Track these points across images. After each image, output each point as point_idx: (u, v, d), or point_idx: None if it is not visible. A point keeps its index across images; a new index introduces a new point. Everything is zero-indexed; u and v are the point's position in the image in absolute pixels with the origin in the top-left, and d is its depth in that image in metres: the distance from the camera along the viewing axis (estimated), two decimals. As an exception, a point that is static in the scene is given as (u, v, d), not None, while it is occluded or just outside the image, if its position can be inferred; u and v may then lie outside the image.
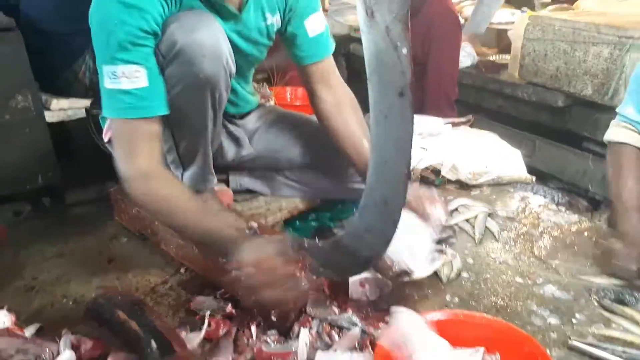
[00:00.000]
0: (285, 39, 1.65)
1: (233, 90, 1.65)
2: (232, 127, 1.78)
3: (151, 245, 1.75)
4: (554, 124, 3.35)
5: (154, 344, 1.25)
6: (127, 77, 1.27)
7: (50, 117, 2.08)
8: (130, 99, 1.29)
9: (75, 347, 1.31)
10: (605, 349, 1.29)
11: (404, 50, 0.97)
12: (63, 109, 2.14)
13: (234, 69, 1.45)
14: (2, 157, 1.89)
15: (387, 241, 1.19)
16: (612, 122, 1.76)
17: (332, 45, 1.64)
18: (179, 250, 1.63)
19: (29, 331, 1.36)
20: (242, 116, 1.82)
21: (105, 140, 1.66)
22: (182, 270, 1.64)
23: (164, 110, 1.35)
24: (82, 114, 2.13)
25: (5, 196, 1.96)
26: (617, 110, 1.76)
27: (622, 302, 1.47)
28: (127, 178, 1.33)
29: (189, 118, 1.46)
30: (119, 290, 1.53)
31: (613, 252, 1.61)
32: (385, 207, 1.12)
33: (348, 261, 1.30)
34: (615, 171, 1.70)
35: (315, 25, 1.62)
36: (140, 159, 1.31)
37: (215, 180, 1.64)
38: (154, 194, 1.33)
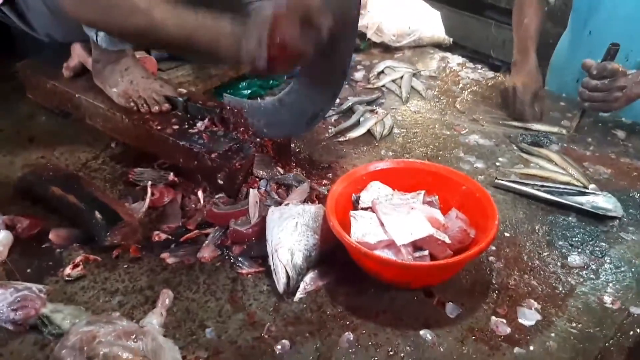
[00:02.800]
0: None
1: None
2: None
3: (74, 121, 1.56)
4: (460, -8, 3.33)
5: (98, 215, 1.15)
6: None
7: None
8: None
9: (9, 227, 1.18)
10: (525, 185, 1.37)
11: None
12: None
13: None
14: None
15: (334, 95, 1.13)
16: None
17: None
18: (106, 123, 1.47)
19: (-48, 216, 1.20)
20: None
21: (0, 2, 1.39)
22: (113, 144, 1.49)
23: None
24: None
25: None
26: None
27: (537, 144, 1.55)
28: None
29: None
30: (48, 167, 1.37)
31: (507, 94, 1.67)
32: (333, 58, 1.03)
33: (292, 119, 1.23)
34: (516, 13, 1.76)
35: None
36: None
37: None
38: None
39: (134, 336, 0.88)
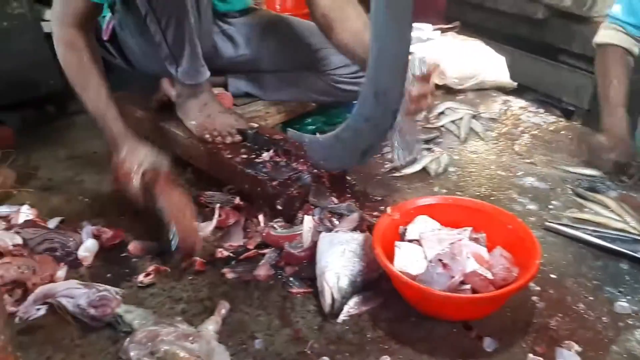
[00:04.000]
0: None
1: None
2: (225, 26, 1.73)
3: (157, 148, 1.74)
4: (532, 36, 3.32)
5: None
6: None
7: (45, 27, 2.00)
8: None
9: (95, 236, 1.34)
10: (577, 229, 1.37)
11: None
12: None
13: None
14: (4, 66, 1.83)
15: (384, 131, 1.21)
16: (602, 25, 1.76)
17: None
18: (185, 151, 1.63)
19: (51, 223, 1.38)
20: (235, 16, 1.77)
21: (105, 39, 1.62)
22: (189, 170, 1.65)
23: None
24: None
25: (11, 104, 1.91)
26: (607, 12, 1.75)
27: (594, 190, 1.54)
28: (55, 36, 1.41)
29: (169, 3, 1.39)
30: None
31: (594, 145, 1.65)
32: (385, 97, 1.12)
33: (347, 153, 1.32)
34: (601, 71, 1.72)
35: None
36: (73, 29, 1.38)
37: (208, 73, 1.56)
38: (74, 62, 1.40)
39: (191, 338, 0.99)
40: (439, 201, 1.30)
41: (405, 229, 1.24)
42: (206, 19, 1.54)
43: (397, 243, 1.17)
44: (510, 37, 3.30)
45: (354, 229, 1.30)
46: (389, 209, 1.24)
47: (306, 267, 1.24)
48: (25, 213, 1.37)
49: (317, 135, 1.40)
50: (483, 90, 2.17)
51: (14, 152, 1.72)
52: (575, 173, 1.63)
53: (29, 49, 1.87)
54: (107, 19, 1.60)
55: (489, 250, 1.19)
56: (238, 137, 1.56)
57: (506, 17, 3.38)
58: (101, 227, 1.36)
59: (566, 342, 1.07)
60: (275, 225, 1.36)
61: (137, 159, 1.36)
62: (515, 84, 2.20)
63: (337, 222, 1.35)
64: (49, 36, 1.94)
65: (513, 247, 1.18)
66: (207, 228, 1.38)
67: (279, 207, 1.37)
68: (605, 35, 1.72)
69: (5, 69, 1.84)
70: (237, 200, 1.46)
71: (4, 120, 1.89)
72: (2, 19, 1.79)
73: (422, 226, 1.23)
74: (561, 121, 1.97)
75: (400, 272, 1.09)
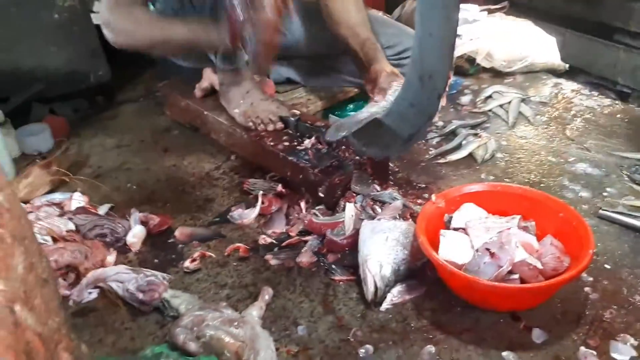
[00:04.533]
0: None
1: None
2: None
3: (201, 136, 1.77)
4: (586, 15, 3.15)
5: None
6: None
7: (94, 19, 2.05)
8: None
9: (143, 223, 1.38)
10: (633, 217, 1.30)
11: None
12: (106, 10, 2.09)
13: None
14: (56, 57, 1.90)
15: (430, 116, 1.18)
16: None
17: None
18: (228, 139, 1.65)
19: (102, 210, 1.43)
20: None
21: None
22: (232, 157, 1.67)
23: None
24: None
25: (64, 95, 1.98)
26: None
27: (652, 175, 1.46)
28: (109, 19, 1.46)
29: None
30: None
31: None
32: (430, 80, 1.08)
33: (391, 139, 1.29)
34: None
35: None
36: (122, 6, 1.43)
37: (246, 56, 1.55)
38: (138, 16, 1.44)
39: (236, 323, 1.00)
40: (486, 188, 1.26)
41: (451, 217, 1.20)
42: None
43: (442, 231, 1.15)
44: (562, 16, 3.15)
45: (397, 217, 1.28)
46: (433, 197, 1.21)
47: (348, 254, 1.23)
48: (77, 200, 1.42)
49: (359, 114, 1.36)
50: (533, 72, 2.08)
51: (67, 141, 1.78)
52: (632, 159, 1.54)
53: (79, 40, 1.92)
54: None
55: (539, 239, 1.15)
56: (280, 125, 1.56)
57: (557, -5, 3.23)
58: (148, 214, 1.40)
59: (621, 335, 1.02)
60: (317, 213, 1.35)
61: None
62: (567, 65, 2.10)
63: (379, 210, 1.33)
64: (97, 28, 2.01)
65: (564, 235, 1.13)
66: (250, 215, 1.39)
67: (321, 195, 1.37)
68: None
69: (58, 61, 1.90)
70: (280, 187, 1.46)
71: (57, 111, 1.96)
72: (53, 11, 1.84)
73: (468, 214, 1.20)
74: (617, 104, 1.87)
75: (446, 261, 1.07)
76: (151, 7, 1.63)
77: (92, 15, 2.02)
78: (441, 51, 1.05)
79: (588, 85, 2.22)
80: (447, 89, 1.17)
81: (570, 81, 2.06)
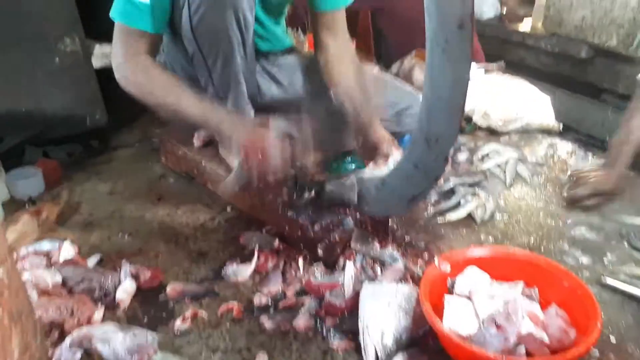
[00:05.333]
0: None
1: (261, 23, 1.62)
2: (268, 66, 1.72)
3: (198, 185, 1.73)
4: (575, 75, 3.23)
5: None
6: None
7: (94, 62, 2.04)
8: (131, 7, 1.34)
9: (134, 277, 1.32)
10: (637, 286, 1.27)
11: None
12: (106, 54, 2.08)
13: None
14: (54, 101, 1.86)
15: (436, 179, 1.16)
16: None
17: None
18: (225, 190, 1.61)
19: (91, 262, 1.37)
20: (277, 55, 1.77)
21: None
22: (229, 208, 1.62)
23: (152, 29, 1.37)
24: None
25: (58, 138, 1.94)
26: None
27: (653, 242, 1.44)
28: (123, 66, 1.39)
29: (217, 41, 1.42)
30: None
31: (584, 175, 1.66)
32: (437, 143, 1.07)
33: (393, 199, 1.27)
34: (630, 108, 1.67)
35: None
36: (139, 55, 1.38)
37: (252, 112, 1.58)
38: (154, 76, 1.38)
39: (229, 395, 0.93)
40: (489, 252, 1.23)
41: (454, 282, 1.17)
42: (251, 58, 1.54)
43: (446, 297, 1.11)
44: (552, 75, 3.22)
45: (398, 280, 1.24)
46: (436, 260, 1.18)
47: (348, 319, 1.17)
48: (66, 250, 1.35)
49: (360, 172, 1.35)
50: (527, 132, 2.09)
51: (58, 187, 1.73)
52: (630, 224, 1.53)
53: (79, 85, 1.89)
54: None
55: (542, 307, 1.11)
56: (280, 178, 1.52)
57: (548, 56, 3.31)
58: (140, 266, 1.34)
59: (632, 415, 0.97)
60: (315, 272, 1.31)
61: (276, 126, 1.30)
62: (561, 125, 2.11)
63: (379, 270, 1.29)
64: (97, 72, 2.00)
65: (569, 305, 1.10)
66: (245, 272, 1.33)
67: (320, 253, 1.33)
68: None
69: (55, 104, 1.86)
70: (277, 242, 1.42)
71: (50, 154, 1.92)
72: (54, 54, 1.83)
73: (471, 279, 1.16)
74: (612, 167, 1.87)
75: (451, 331, 1.02)
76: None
77: (93, 59, 2.01)
78: (449, 115, 1.04)
79: (577, 143, 2.23)
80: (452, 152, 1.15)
81: (564, 141, 2.07)
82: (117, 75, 1.40)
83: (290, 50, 1.81)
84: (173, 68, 1.56)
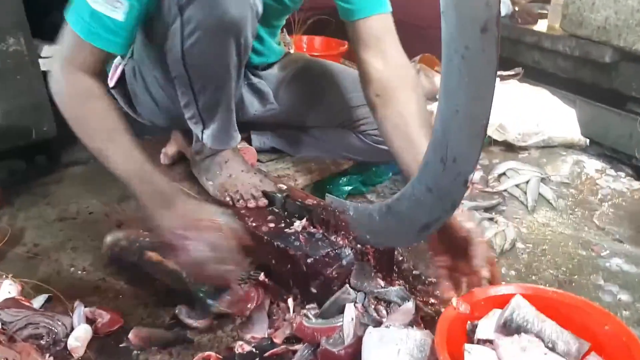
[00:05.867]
0: None
1: (260, 38, 1.59)
2: (255, 80, 1.70)
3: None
4: (598, 82, 3.27)
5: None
6: (107, 2, 1.20)
7: (41, 65, 2.00)
8: (98, 24, 1.21)
9: (90, 321, 1.27)
10: (686, 329, 1.26)
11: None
12: (56, 56, 2.05)
13: (260, 9, 1.36)
14: (-7, 109, 1.82)
15: (453, 204, 1.13)
16: None
17: (388, 3, 1.44)
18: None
19: (37, 302, 1.33)
20: (265, 67, 1.75)
21: (111, 85, 1.59)
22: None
23: (121, 51, 1.30)
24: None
25: (-1, 154, 1.90)
26: None
27: (700, 276, 1.44)
28: (63, 82, 1.27)
29: (211, 68, 1.38)
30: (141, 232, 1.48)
31: None
32: (454, 164, 1.05)
33: (401, 228, 1.24)
34: None
35: None
36: (84, 75, 1.25)
37: (239, 138, 1.56)
38: (91, 109, 1.26)
39: None
40: (516, 291, 1.20)
41: (475, 325, 1.14)
42: (241, 78, 1.51)
43: (466, 346, 1.07)
44: (572, 82, 3.26)
45: (409, 323, 1.21)
46: (454, 300, 1.15)
47: (349, 370, 1.14)
48: (7, 289, 1.30)
49: (364, 204, 1.32)
50: (549, 147, 2.10)
51: (-1, 211, 1.69)
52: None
53: (23, 90, 1.86)
54: (115, 63, 1.59)
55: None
56: (264, 201, 1.50)
57: (566, 59, 3.35)
58: (96, 308, 1.29)
59: None
60: (308, 313, 1.27)
61: (208, 214, 1.23)
62: (587, 141, 2.13)
63: (384, 312, 1.26)
64: (46, 75, 1.96)
65: (610, 353, 1.08)
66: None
67: (314, 291, 1.29)
68: None
69: (-5, 113, 1.82)
70: (262, 276, 1.38)
71: (-12, 173, 1.88)
72: (-4, 57, 1.79)
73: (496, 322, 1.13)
74: (647, 187, 1.89)
75: (474, 386, 0.99)
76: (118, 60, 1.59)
77: (41, 61, 1.97)
78: (469, 131, 1.02)
79: (603, 159, 2.24)
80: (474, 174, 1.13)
81: (592, 159, 2.08)
82: (50, 83, 1.29)
83: (281, 58, 1.80)
84: (142, 79, 1.52)
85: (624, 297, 1.39)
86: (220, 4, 1.26)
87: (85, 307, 1.29)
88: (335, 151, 1.83)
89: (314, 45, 2.89)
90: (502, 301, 1.17)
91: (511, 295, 1.19)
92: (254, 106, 1.70)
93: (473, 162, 1.06)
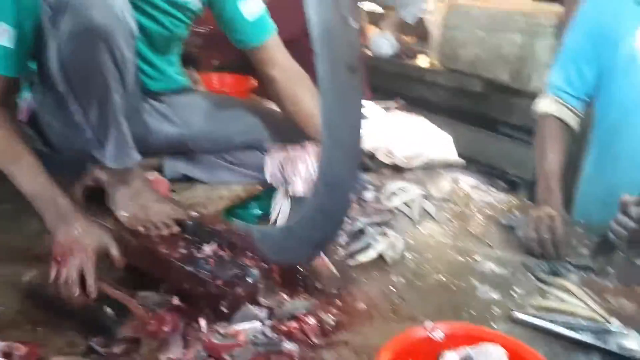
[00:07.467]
0: (222, 23, 1.59)
1: (149, 62, 1.60)
2: (157, 104, 1.68)
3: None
4: (472, 109, 3.48)
5: (109, 309, 1.26)
6: None
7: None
8: None
9: (6, 355, 1.18)
10: (545, 320, 1.34)
11: (353, 23, 0.95)
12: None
13: (134, 26, 1.36)
14: None
15: (338, 223, 1.18)
16: (541, 94, 1.85)
17: (273, 25, 1.63)
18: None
19: (-50, 340, 1.21)
20: (170, 95, 1.73)
21: (23, 119, 1.52)
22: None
23: (14, 75, 1.34)
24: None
25: None
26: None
27: (555, 273, 1.54)
28: None
29: (89, 79, 1.34)
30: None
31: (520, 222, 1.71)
32: (337, 187, 1.09)
33: (300, 246, 1.26)
34: (538, 143, 1.79)
35: (251, 8, 1.59)
36: None
37: (138, 156, 1.49)
38: None
39: None
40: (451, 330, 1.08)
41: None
42: (134, 97, 1.48)
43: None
44: (451, 110, 3.44)
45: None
46: (427, 322, 1.07)
47: (258, 381, 1.13)
48: None
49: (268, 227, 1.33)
50: (430, 168, 2.20)
51: None
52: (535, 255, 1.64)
53: None
54: (26, 99, 1.52)
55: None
56: (176, 228, 1.46)
57: (446, 90, 3.55)
58: (13, 342, 1.20)
59: None
60: (219, 331, 1.25)
61: (92, 240, 1.31)
62: (463, 161, 2.25)
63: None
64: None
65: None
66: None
67: (224, 310, 1.27)
68: (542, 105, 1.81)
69: None
70: (176, 300, 1.34)
71: None
72: None
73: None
74: (512, 201, 2.01)
75: None
76: (27, 94, 1.52)
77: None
78: (347, 158, 1.06)
79: (482, 177, 2.37)
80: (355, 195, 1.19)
81: (467, 176, 2.19)
82: None
83: (186, 90, 1.78)
84: (46, 108, 1.47)
85: (495, 295, 1.46)
86: (86, 13, 1.25)
87: (1, 342, 1.20)
88: (245, 173, 1.82)
89: (225, 82, 2.87)
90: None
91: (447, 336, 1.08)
92: (162, 131, 1.68)
93: (353, 184, 1.11)
